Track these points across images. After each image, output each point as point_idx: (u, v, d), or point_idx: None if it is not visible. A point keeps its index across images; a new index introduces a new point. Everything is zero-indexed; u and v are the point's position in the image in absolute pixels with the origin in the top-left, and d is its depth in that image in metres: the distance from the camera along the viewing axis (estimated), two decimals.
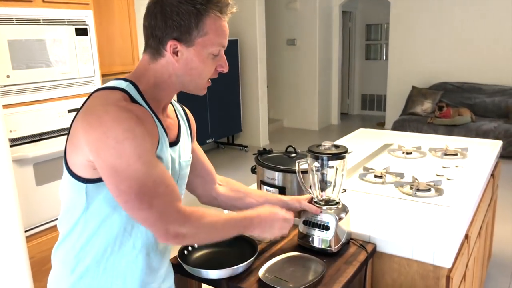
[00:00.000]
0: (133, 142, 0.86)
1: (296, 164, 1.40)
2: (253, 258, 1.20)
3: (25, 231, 2.18)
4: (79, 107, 0.95)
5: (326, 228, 1.28)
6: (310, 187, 1.36)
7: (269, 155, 1.65)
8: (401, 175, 1.89)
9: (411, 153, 2.25)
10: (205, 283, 1.21)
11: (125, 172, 0.86)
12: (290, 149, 1.63)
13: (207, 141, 5.28)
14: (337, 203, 1.33)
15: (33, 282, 2.09)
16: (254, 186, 1.67)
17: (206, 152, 1.44)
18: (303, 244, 1.32)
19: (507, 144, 4.89)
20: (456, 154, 2.19)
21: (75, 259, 0.97)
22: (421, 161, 2.15)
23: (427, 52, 6.18)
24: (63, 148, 0.96)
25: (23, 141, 2.21)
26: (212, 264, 1.22)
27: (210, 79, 1.03)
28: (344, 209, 1.33)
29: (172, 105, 1.13)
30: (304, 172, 1.39)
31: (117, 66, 2.94)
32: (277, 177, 1.50)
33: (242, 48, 5.75)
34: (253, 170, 1.64)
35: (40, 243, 2.30)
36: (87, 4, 2.52)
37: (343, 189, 1.69)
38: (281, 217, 1.15)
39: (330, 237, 1.27)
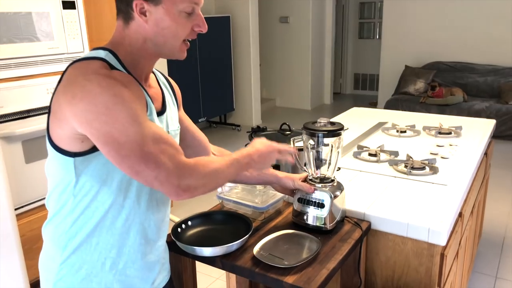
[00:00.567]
0: (124, 105, 0.83)
1: (291, 142, 1.38)
2: (247, 235, 1.19)
3: (15, 209, 2.15)
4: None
5: (321, 205, 1.26)
6: (305, 165, 1.35)
7: (263, 132, 1.63)
8: (396, 154, 1.88)
9: (405, 131, 2.24)
10: (199, 260, 1.20)
11: (123, 137, 0.82)
12: (284, 126, 1.60)
13: (199, 120, 5.24)
14: (332, 180, 1.32)
15: (25, 260, 2.07)
16: None
17: None
18: (298, 222, 1.31)
19: (498, 124, 4.91)
20: (450, 133, 2.19)
21: (66, 236, 0.95)
22: (415, 139, 2.14)
23: (421, 31, 6.13)
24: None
25: (10, 118, 2.16)
26: (206, 241, 1.21)
27: (189, 41, 0.97)
28: (339, 187, 1.32)
29: (155, 74, 1.09)
30: (299, 149, 1.37)
31: (106, 42, 2.86)
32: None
33: (234, 25, 5.66)
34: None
35: (31, 221, 2.27)
36: None
37: (338, 167, 1.68)
38: (276, 148, 1.14)
39: (325, 215, 1.26)
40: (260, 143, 1.13)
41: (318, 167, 1.32)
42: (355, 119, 2.57)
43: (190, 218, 1.30)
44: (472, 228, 2.03)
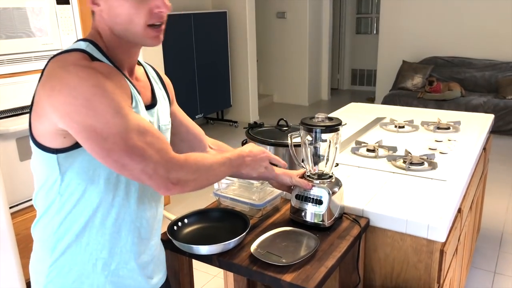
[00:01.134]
0: (104, 96, 0.80)
1: (289, 137, 1.36)
2: (244, 233, 1.17)
3: (10, 208, 2.13)
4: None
5: (319, 202, 1.25)
6: (302, 161, 1.33)
7: (260, 128, 1.61)
8: (394, 149, 1.86)
9: (403, 126, 2.23)
10: (195, 259, 1.18)
11: (106, 129, 0.79)
12: (281, 122, 1.58)
13: (196, 117, 5.21)
14: (330, 177, 1.30)
15: (20, 259, 2.05)
16: None
17: None
18: (296, 219, 1.30)
19: (496, 119, 4.90)
20: (448, 128, 2.17)
21: (55, 237, 0.92)
22: (413, 135, 2.13)
23: (418, 26, 6.11)
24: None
25: (4, 115, 2.13)
26: (203, 239, 1.19)
27: (156, 24, 0.89)
28: (337, 183, 1.30)
29: (144, 68, 1.05)
30: (297, 145, 1.35)
31: None
32: (268, 151, 1.46)
33: (231, 21, 5.62)
34: (244, 144, 1.60)
35: (26, 220, 2.25)
36: None
37: (336, 163, 1.66)
38: (267, 156, 1.15)
39: (323, 212, 1.24)
40: (254, 147, 1.13)
41: (316, 163, 1.30)
42: (353, 115, 2.56)
43: (186, 216, 1.28)
44: (471, 224, 2.02)
